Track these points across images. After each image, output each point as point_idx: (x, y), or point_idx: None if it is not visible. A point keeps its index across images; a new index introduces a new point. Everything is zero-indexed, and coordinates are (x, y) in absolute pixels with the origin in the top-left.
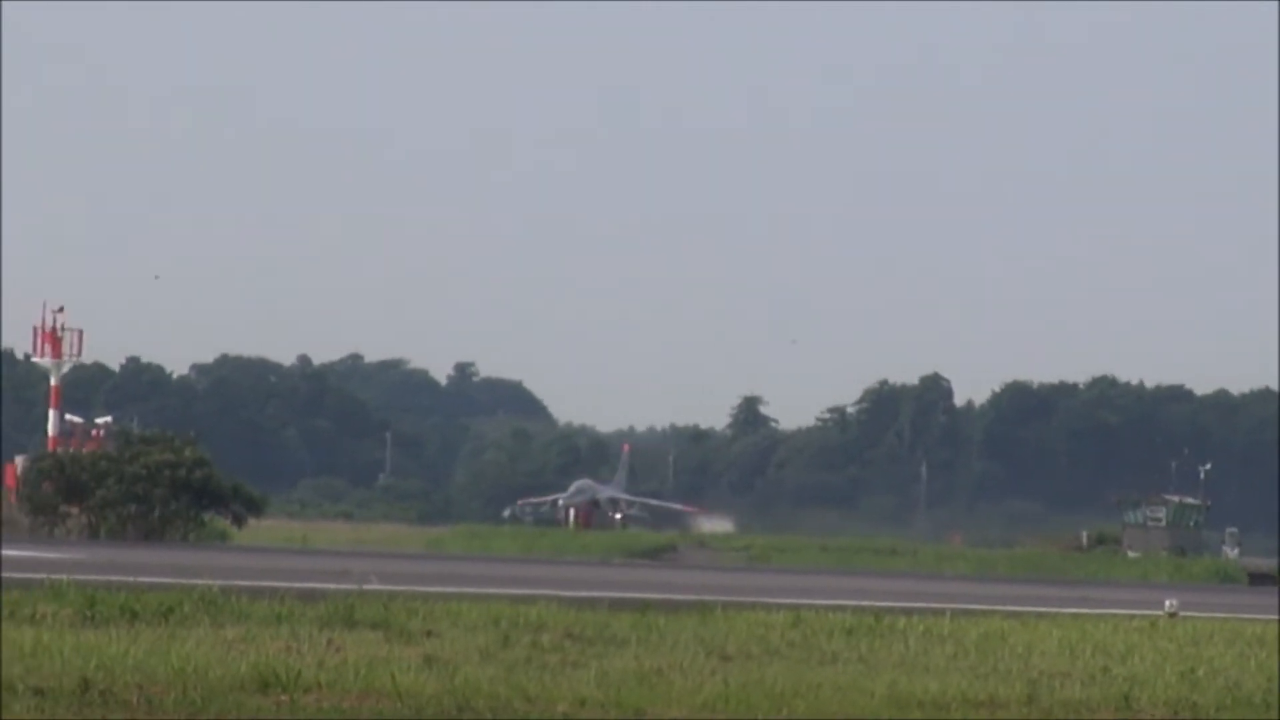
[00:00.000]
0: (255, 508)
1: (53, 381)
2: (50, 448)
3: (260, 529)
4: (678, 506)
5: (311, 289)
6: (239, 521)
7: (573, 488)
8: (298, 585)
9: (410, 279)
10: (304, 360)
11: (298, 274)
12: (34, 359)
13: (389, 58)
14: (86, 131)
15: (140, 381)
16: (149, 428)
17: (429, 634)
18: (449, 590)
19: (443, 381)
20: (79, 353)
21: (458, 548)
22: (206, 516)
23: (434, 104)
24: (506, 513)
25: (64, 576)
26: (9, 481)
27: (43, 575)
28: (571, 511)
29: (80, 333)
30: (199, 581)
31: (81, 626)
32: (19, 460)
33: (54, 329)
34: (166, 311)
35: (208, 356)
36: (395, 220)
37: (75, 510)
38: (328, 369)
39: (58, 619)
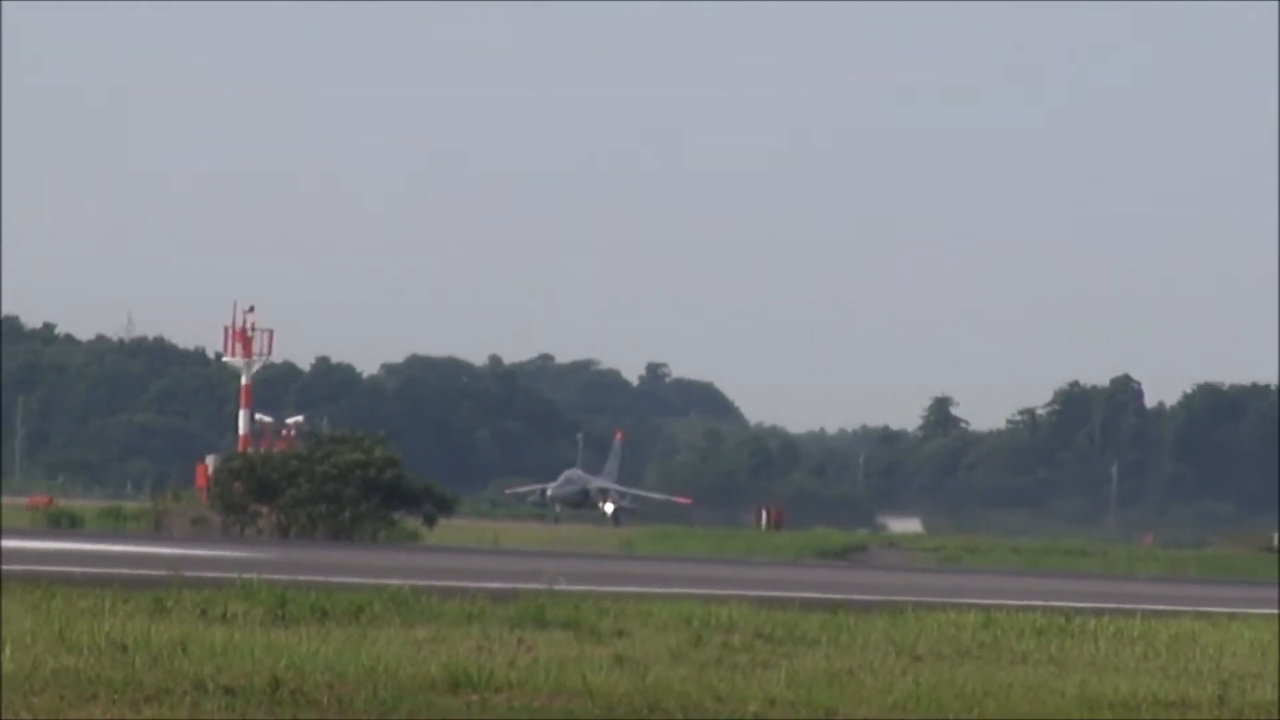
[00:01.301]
0: (446, 508)
1: (243, 381)
2: (241, 447)
3: (451, 529)
4: (670, 498)
5: (503, 289)
6: (430, 521)
7: (561, 478)
8: (489, 585)
9: (602, 279)
10: (495, 360)
11: (489, 274)
12: (225, 358)
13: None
14: (282, 138)
15: (331, 381)
16: (339, 427)
17: (620, 634)
18: (640, 590)
19: (634, 382)
20: (269, 352)
21: (648, 548)
22: (397, 516)
23: (610, 109)
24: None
25: (255, 576)
26: (200, 481)
27: (234, 574)
28: (558, 505)
29: (271, 332)
30: (390, 581)
31: (272, 626)
32: (210, 460)
33: (245, 329)
34: (357, 311)
35: (398, 356)
36: (586, 222)
37: (266, 510)
38: (519, 369)
39: (249, 618)
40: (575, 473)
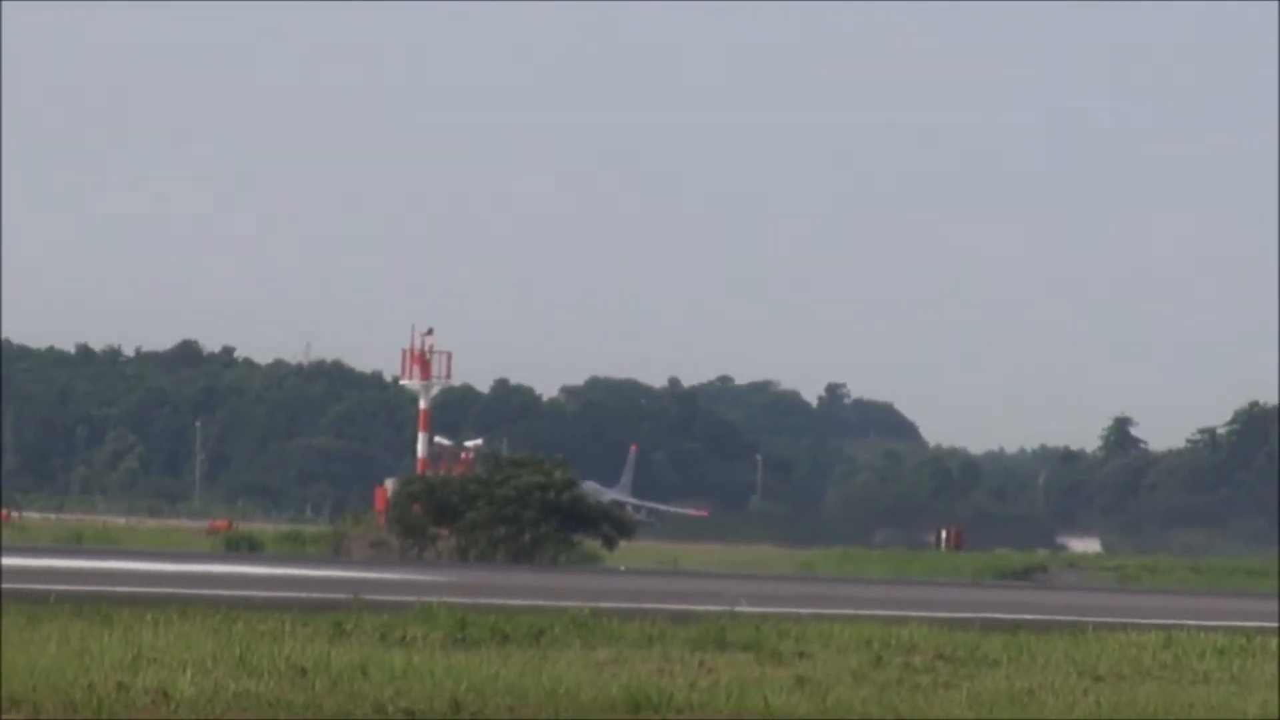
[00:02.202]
0: (625, 530)
1: (422, 404)
2: (420, 470)
3: (630, 551)
4: (685, 510)
5: (681, 310)
6: (609, 543)
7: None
8: (669, 607)
9: (779, 300)
10: (674, 382)
11: (667, 296)
12: (404, 382)
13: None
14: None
15: (510, 404)
16: (519, 450)
17: (801, 655)
18: (820, 612)
19: (813, 403)
20: (448, 375)
21: (828, 569)
22: (577, 538)
23: (793, 131)
24: None
25: (435, 599)
26: (379, 504)
27: (414, 597)
28: None
29: (449, 355)
30: (570, 603)
31: (452, 649)
32: (389, 483)
33: (423, 351)
34: (536, 334)
35: (578, 379)
36: (761, 243)
37: (445, 532)
38: (698, 390)
39: (429, 641)
40: (590, 485)
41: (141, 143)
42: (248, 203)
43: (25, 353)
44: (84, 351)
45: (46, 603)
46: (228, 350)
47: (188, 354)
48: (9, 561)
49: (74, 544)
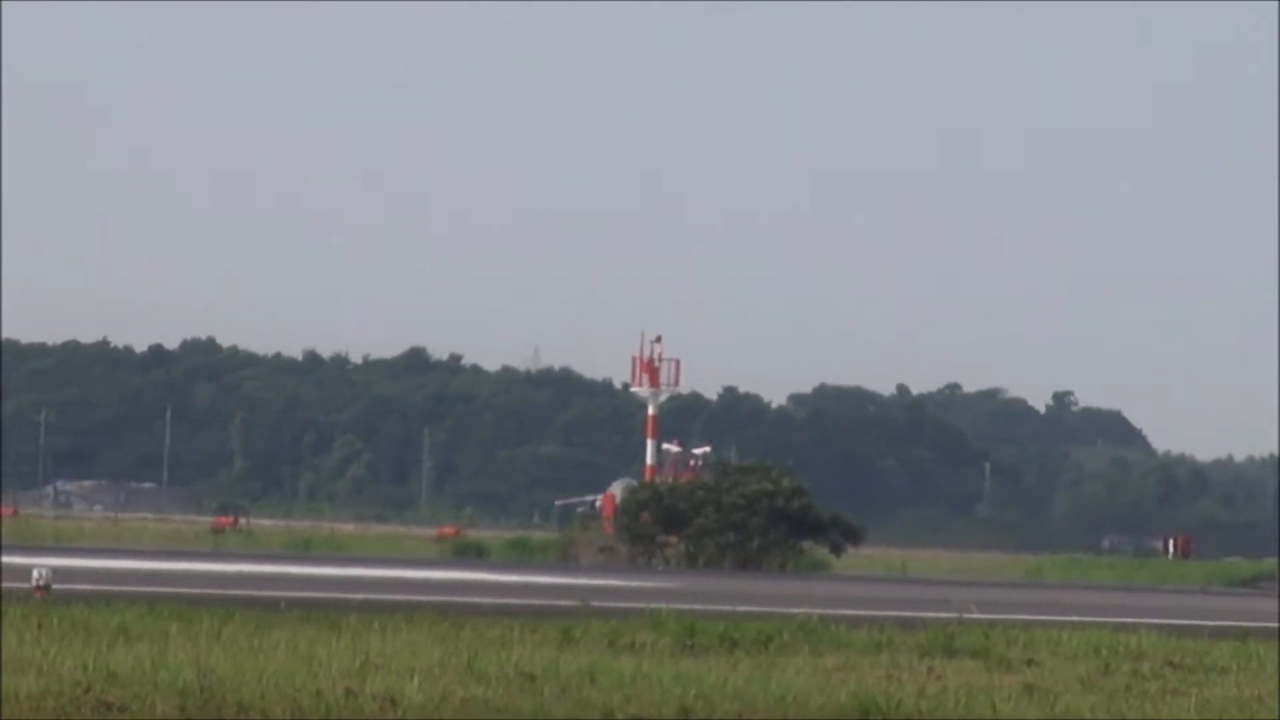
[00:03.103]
0: (853, 536)
1: (650, 411)
2: (648, 477)
3: (858, 558)
4: None
5: (909, 319)
6: (837, 550)
7: (613, 486)
8: (897, 614)
9: (1007, 307)
10: (902, 390)
11: (896, 304)
12: (632, 389)
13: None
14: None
15: (738, 411)
16: (746, 457)
17: (1029, 662)
18: (1048, 619)
19: (1041, 410)
20: (676, 383)
21: (1057, 577)
22: (804, 545)
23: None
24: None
25: (663, 605)
26: (607, 511)
27: (642, 604)
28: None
29: (677, 363)
30: (798, 610)
31: (681, 655)
32: (617, 489)
33: (652, 359)
34: (765, 342)
35: (806, 387)
36: (991, 246)
37: (673, 539)
38: (926, 398)
39: (657, 648)
40: (628, 481)
41: (373, 156)
42: (476, 214)
43: (252, 360)
44: (312, 358)
45: (276, 609)
46: (455, 357)
47: (416, 361)
48: (240, 568)
49: (302, 550)
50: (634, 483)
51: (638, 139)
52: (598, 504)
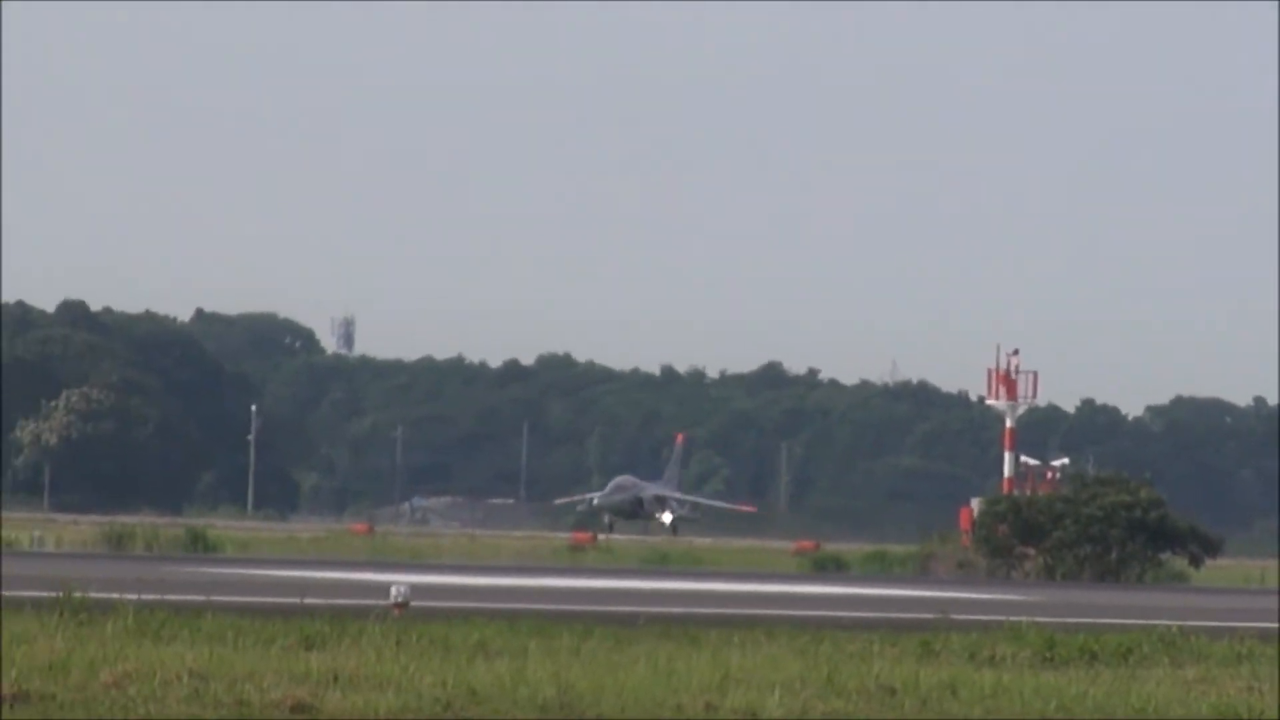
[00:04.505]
0: (1212, 548)
1: (1008, 424)
2: (1005, 490)
3: (1217, 569)
4: (738, 506)
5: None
6: (1196, 562)
7: (611, 485)
8: (1257, 625)
9: None
10: (1259, 401)
11: (1254, 314)
12: (988, 401)
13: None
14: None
15: (1095, 424)
16: (1104, 469)
17: None
18: None
19: None
20: (1034, 395)
21: None
22: (1163, 557)
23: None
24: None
25: (1022, 618)
26: (965, 524)
27: (1001, 617)
28: (607, 515)
29: (1035, 375)
30: (1157, 622)
31: (1040, 668)
32: (975, 503)
33: (1009, 371)
34: (1122, 354)
35: (1163, 398)
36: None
37: (1032, 552)
38: None
39: (1017, 661)
40: (627, 479)
41: (740, 173)
42: (830, 227)
43: (609, 375)
44: (669, 373)
45: (634, 624)
46: (812, 371)
47: (772, 375)
48: (598, 584)
49: (660, 565)
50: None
51: (998, 144)
52: (595, 502)
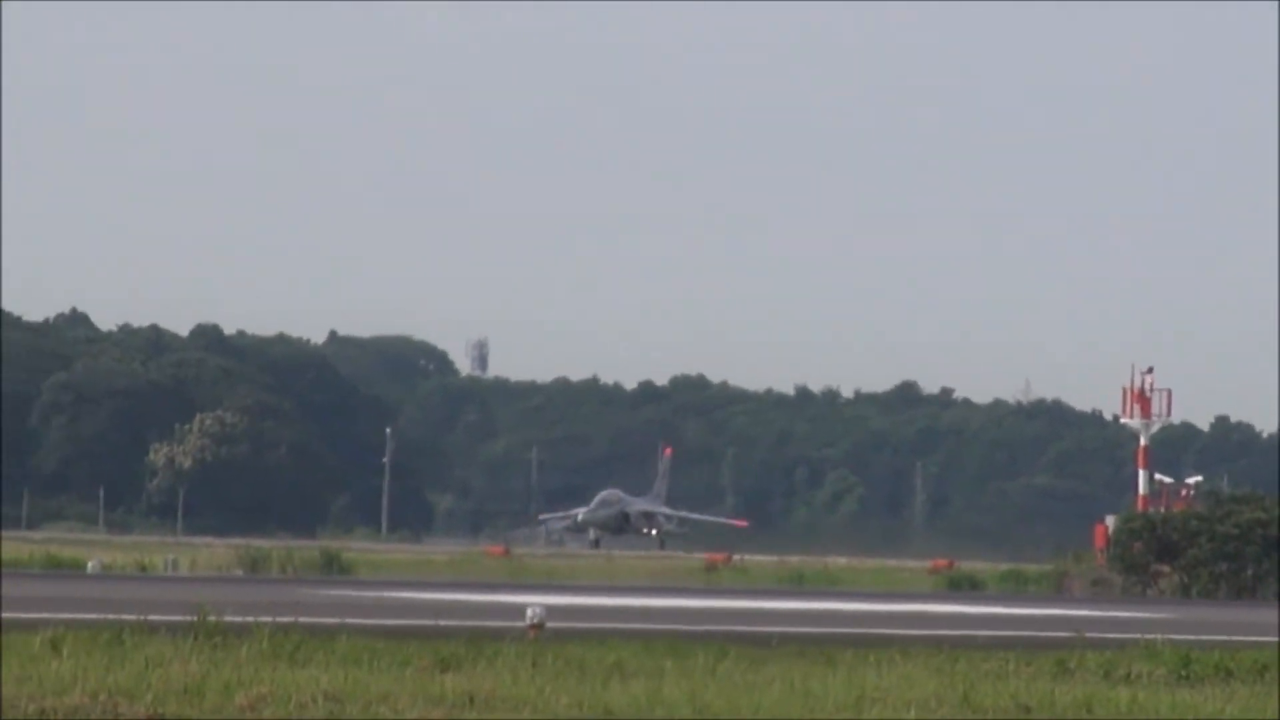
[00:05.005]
0: None
1: (1142, 442)
2: (1140, 508)
3: None
4: (727, 521)
5: None
6: None
7: (596, 500)
8: None
9: None
10: None
11: None
12: (1123, 420)
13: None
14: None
15: (1229, 441)
16: (1238, 487)
17: None
18: None
19: None
20: (1168, 413)
21: None
22: None
23: None
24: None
25: (1157, 636)
26: (1099, 542)
27: (1136, 635)
28: (593, 530)
29: (1169, 393)
30: None
31: (1176, 686)
32: (1109, 521)
33: (1143, 390)
34: (1255, 371)
35: None
36: None
37: (1167, 569)
38: None
39: (1153, 679)
40: (612, 494)
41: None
42: (962, 245)
43: (743, 396)
44: (803, 393)
45: (769, 644)
46: (946, 391)
47: (907, 395)
48: (731, 604)
49: (795, 585)
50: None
51: (1128, 159)
52: (580, 518)
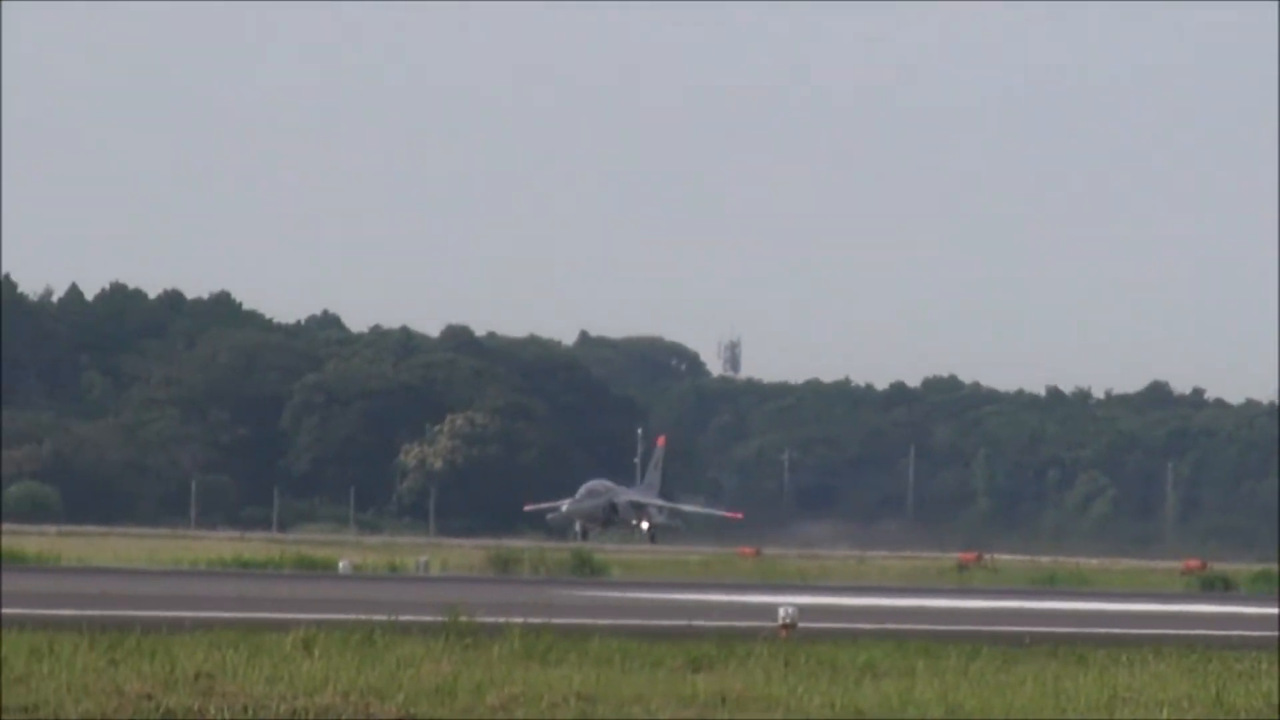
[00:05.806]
0: None
1: None
2: None
3: None
4: (721, 513)
5: None
6: None
7: (582, 490)
8: None
9: None
10: None
11: None
12: None
13: None
14: None
15: None
16: None
17: None
18: None
19: None
20: None
21: None
22: None
23: None
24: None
25: None
26: None
27: None
28: (578, 522)
29: None
30: None
31: None
32: None
33: None
34: None
35: None
36: None
37: None
38: None
39: None
40: (599, 484)
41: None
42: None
43: (994, 396)
44: (1054, 394)
45: (1021, 644)
46: (1198, 391)
47: (1158, 395)
48: (985, 604)
49: (1047, 586)
50: None
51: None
52: (564, 509)
